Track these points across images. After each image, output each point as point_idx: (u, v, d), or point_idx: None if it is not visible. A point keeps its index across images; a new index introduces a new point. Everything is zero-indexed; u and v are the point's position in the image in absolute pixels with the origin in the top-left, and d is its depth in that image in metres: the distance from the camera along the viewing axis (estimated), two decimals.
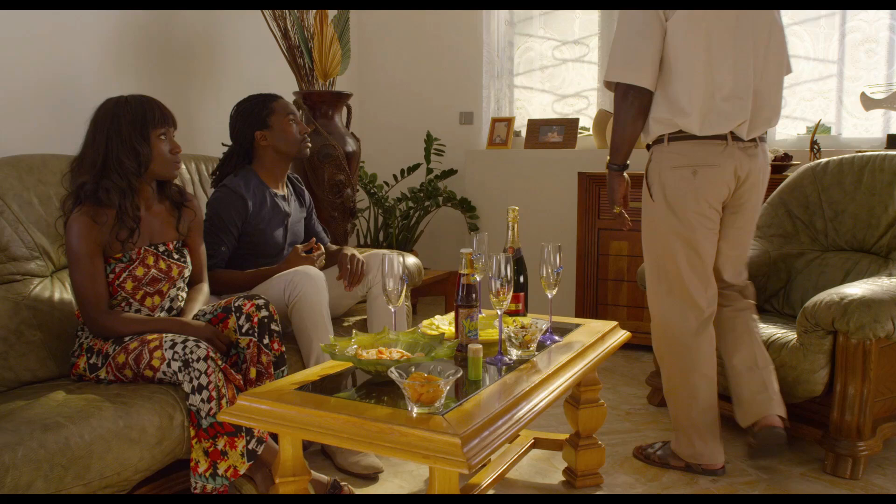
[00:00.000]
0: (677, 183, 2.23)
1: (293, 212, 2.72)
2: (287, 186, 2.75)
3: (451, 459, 1.34)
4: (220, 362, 1.96)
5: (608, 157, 2.35)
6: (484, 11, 4.47)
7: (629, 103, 2.21)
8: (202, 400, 1.90)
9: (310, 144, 2.72)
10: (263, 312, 2.12)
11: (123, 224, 2.05)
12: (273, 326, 2.13)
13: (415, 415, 1.45)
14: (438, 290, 4.30)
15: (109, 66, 3.01)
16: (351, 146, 3.61)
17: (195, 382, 1.90)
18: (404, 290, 1.90)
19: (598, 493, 2.24)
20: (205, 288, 2.32)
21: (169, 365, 1.93)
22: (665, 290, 2.31)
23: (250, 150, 2.64)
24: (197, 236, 2.31)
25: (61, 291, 2.26)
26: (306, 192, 2.86)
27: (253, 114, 2.60)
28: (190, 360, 1.91)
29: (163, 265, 2.14)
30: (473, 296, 1.84)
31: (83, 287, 2.02)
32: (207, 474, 1.89)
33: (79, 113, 2.20)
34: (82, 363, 2.06)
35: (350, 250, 2.61)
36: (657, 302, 2.35)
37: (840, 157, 2.88)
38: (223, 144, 2.79)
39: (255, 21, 3.63)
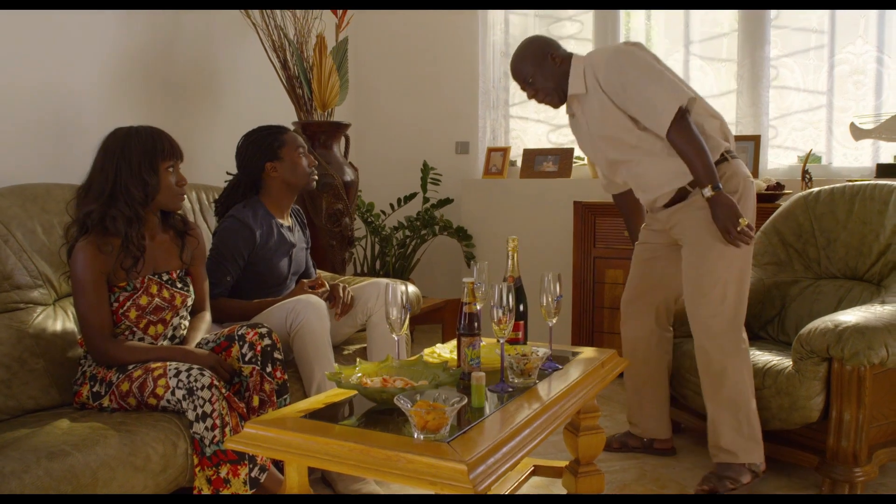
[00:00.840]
0: (751, 190, 2.45)
1: (297, 241, 2.75)
2: (291, 217, 2.77)
3: (458, 486, 1.35)
4: (223, 390, 1.97)
5: (707, 187, 2.28)
6: (479, 44, 4.54)
7: (690, 120, 2.33)
8: (206, 428, 1.91)
9: (316, 177, 2.75)
10: (266, 341, 2.14)
11: (128, 253, 2.07)
12: (276, 355, 2.15)
13: (421, 442, 1.47)
14: (435, 319, 4.31)
15: (111, 98, 3.06)
16: (349, 175, 3.65)
17: (199, 410, 1.91)
18: (407, 319, 1.93)
19: None
20: (207, 316, 2.34)
21: (173, 393, 1.94)
22: (744, 298, 2.42)
23: (258, 180, 2.65)
24: (200, 265, 2.33)
25: (64, 320, 2.27)
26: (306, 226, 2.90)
27: (264, 145, 2.62)
28: (194, 388, 1.92)
29: (166, 294, 2.16)
30: (476, 324, 1.86)
31: (88, 315, 2.04)
32: None
33: (81, 143, 2.23)
34: (85, 391, 2.07)
35: (339, 280, 2.64)
36: (736, 314, 2.39)
37: (832, 186, 2.93)
38: (228, 174, 2.81)
39: (254, 52, 3.68)
